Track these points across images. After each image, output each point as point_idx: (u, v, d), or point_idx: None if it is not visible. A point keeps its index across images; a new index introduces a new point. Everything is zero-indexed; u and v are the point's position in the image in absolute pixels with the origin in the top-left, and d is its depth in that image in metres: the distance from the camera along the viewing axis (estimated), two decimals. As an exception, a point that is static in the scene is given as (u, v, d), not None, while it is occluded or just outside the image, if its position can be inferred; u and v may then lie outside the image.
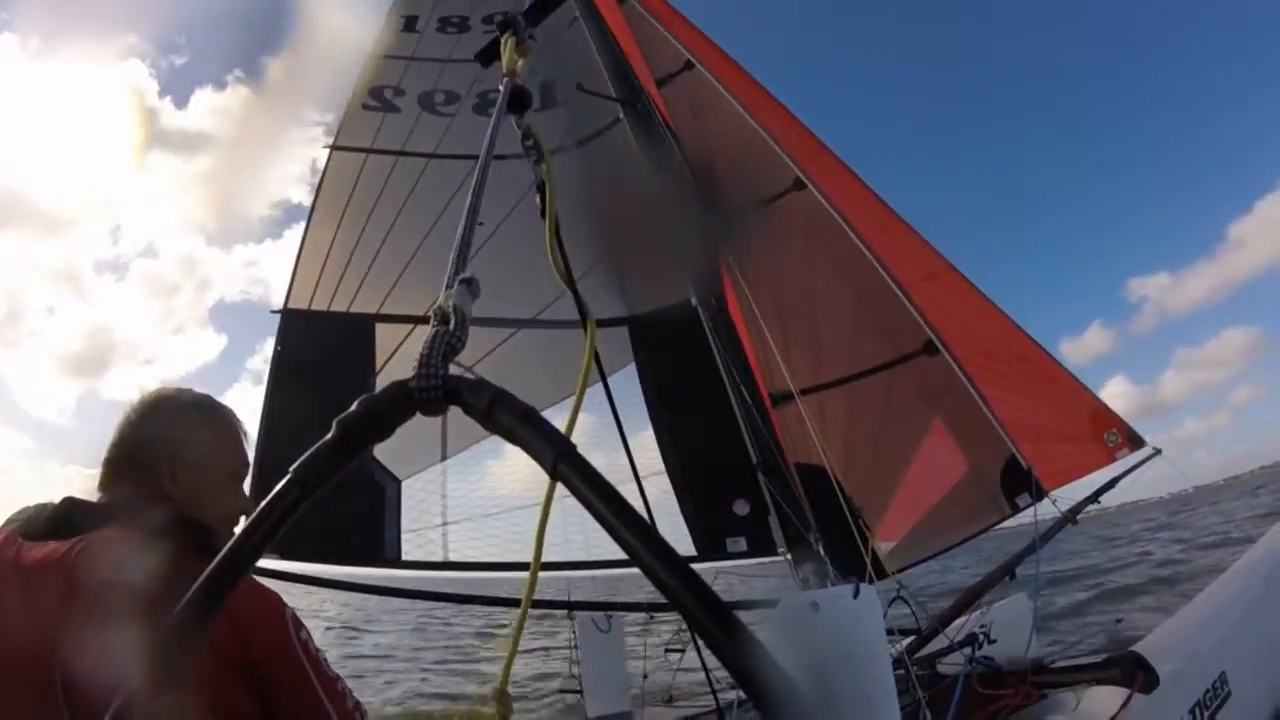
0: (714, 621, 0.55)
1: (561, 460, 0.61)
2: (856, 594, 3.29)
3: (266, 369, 6.10)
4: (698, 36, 7.04)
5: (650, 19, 6.91)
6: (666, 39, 6.79)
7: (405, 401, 0.69)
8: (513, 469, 5.78)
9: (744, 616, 0.55)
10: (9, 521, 1.46)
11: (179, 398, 1.63)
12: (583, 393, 1.15)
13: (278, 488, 0.69)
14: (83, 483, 1.56)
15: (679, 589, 0.56)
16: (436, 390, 0.68)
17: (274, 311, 6.37)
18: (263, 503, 0.70)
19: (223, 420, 1.65)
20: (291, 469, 0.69)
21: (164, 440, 1.53)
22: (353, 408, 0.69)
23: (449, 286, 0.83)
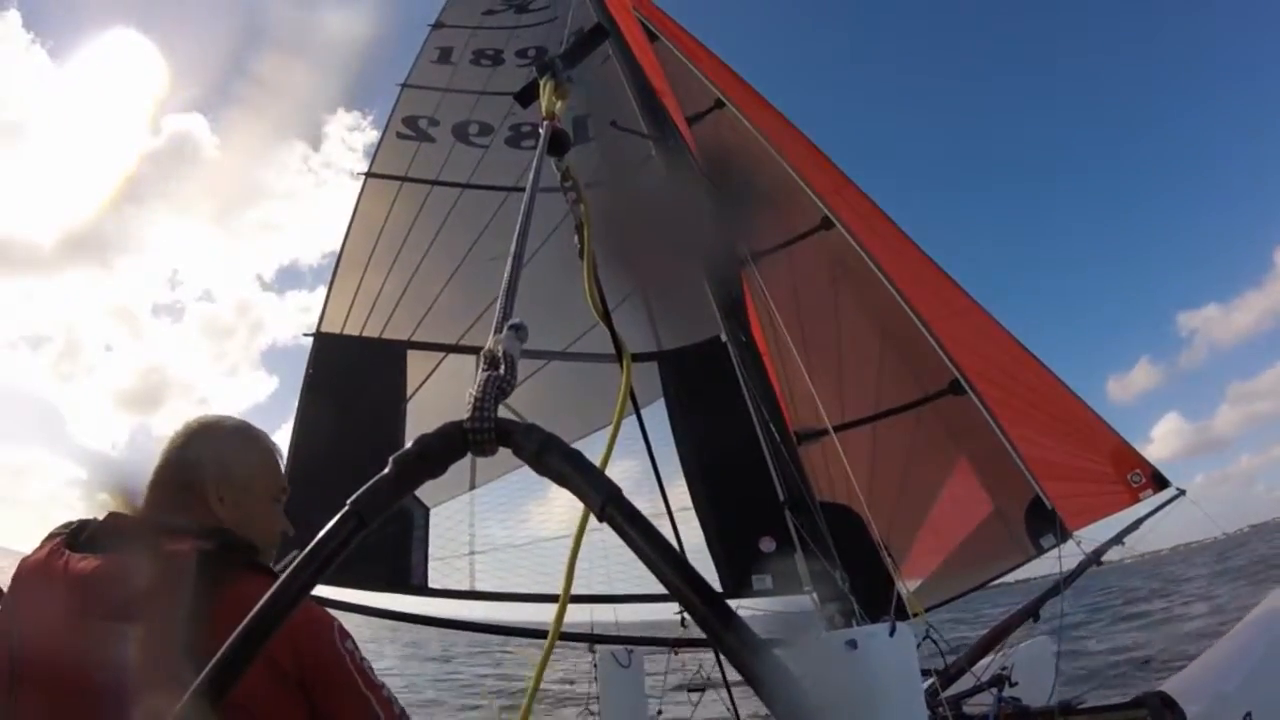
0: (748, 653, 0.60)
1: (609, 504, 0.66)
2: (892, 632, 3.29)
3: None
4: (728, 75, 7.15)
5: (682, 58, 7.02)
6: (698, 77, 6.90)
7: (459, 441, 0.73)
8: (542, 502, 5.78)
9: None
10: (51, 535, 1.50)
11: (223, 423, 1.70)
12: (618, 427, 1.18)
13: (336, 518, 0.72)
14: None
15: (716, 623, 0.61)
16: (489, 432, 0.72)
17: (306, 335, 6.43)
18: (321, 532, 0.72)
19: (264, 444, 1.72)
20: (350, 500, 0.72)
21: (212, 463, 1.58)
22: (409, 446, 0.73)
23: (498, 331, 0.87)
